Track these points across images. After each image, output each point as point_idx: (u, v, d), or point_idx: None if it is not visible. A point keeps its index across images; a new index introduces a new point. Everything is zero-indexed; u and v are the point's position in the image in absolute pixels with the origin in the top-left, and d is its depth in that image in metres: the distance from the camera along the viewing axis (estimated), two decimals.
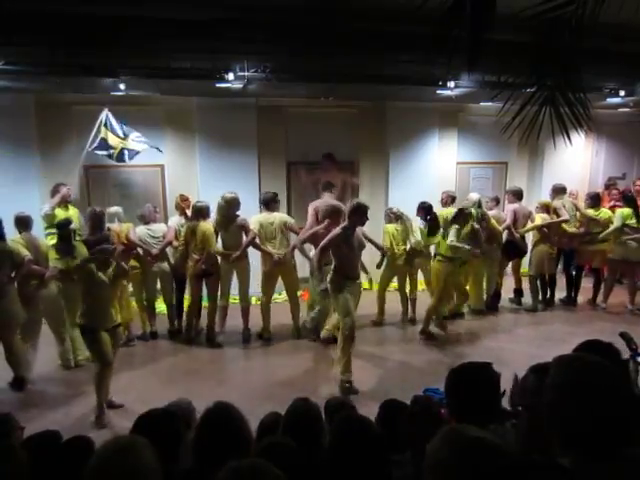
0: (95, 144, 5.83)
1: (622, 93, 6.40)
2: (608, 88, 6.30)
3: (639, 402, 1.51)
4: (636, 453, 1.12)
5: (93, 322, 3.89)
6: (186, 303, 5.76)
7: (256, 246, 5.30)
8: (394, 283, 6.14)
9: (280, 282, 5.63)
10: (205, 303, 5.55)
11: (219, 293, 5.44)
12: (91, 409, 3.95)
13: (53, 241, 5.01)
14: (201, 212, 5.15)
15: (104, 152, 5.89)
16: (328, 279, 4.45)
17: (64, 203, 5.65)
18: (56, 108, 6.21)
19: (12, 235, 4.58)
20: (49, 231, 5.45)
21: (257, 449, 1.79)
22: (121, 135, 5.91)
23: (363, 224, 4.47)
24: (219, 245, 5.39)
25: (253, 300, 5.74)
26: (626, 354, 2.37)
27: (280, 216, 5.46)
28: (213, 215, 5.36)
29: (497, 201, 6.63)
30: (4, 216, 4.74)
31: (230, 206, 5.18)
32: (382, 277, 5.94)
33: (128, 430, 1.95)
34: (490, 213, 6.16)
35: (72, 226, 4.89)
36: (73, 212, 5.75)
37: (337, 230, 4.36)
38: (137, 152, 5.98)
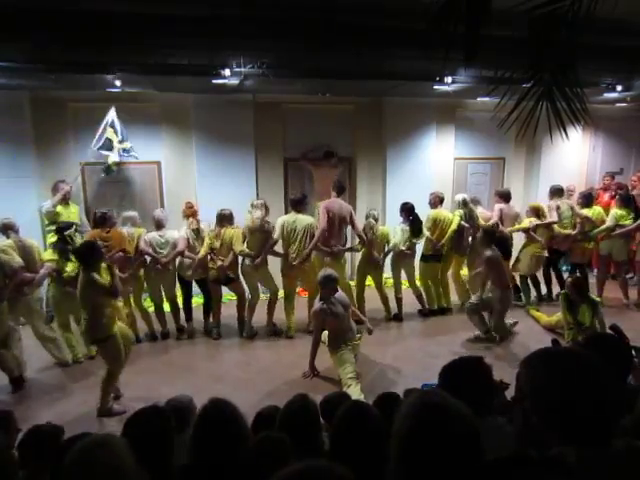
0: (100, 143, 5.82)
1: (619, 88, 6.38)
2: (605, 83, 6.29)
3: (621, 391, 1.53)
4: (621, 443, 1.14)
5: (101, 331, 3.84)
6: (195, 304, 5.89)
7: (273, 252, 5.43)
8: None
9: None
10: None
11: (247, 293, 5.53)
12: (91, 406, 3.96)
13: (53, 239, 5.02)
14: (226, 218, 5.29)
15: (109, 152, 5.90)
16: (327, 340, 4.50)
17: (65, 200, 5.66)
18: (52, 105, 6.18)
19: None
20: (50, 228, 5.45)
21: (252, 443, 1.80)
22: (119, 138, 5.91)
23: (335, 292, 4.44)
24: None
25: (262, 297, 5.75)
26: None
27: (304, 218, 5.44)
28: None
29: (477, 203, 6.40)
30: (0, 214, 4.72)
31: (267, 210, 5.34)
32: (357, 278, 5.96)
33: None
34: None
35: (73, 227, 4.94)
36: (74, 209, 5.77)
37: (316, 308, 4.40)
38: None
